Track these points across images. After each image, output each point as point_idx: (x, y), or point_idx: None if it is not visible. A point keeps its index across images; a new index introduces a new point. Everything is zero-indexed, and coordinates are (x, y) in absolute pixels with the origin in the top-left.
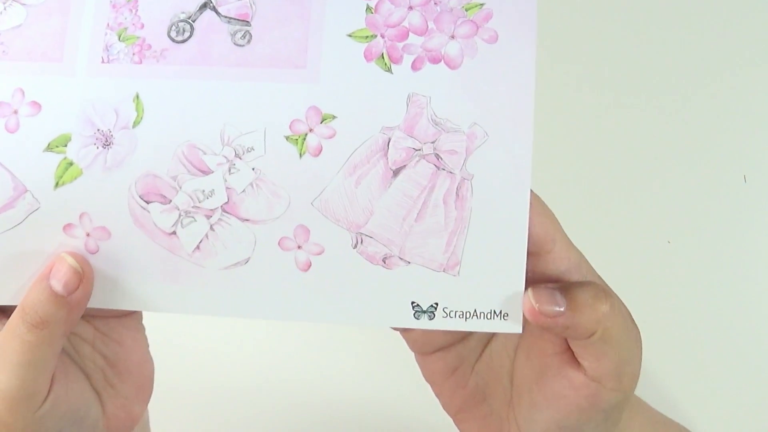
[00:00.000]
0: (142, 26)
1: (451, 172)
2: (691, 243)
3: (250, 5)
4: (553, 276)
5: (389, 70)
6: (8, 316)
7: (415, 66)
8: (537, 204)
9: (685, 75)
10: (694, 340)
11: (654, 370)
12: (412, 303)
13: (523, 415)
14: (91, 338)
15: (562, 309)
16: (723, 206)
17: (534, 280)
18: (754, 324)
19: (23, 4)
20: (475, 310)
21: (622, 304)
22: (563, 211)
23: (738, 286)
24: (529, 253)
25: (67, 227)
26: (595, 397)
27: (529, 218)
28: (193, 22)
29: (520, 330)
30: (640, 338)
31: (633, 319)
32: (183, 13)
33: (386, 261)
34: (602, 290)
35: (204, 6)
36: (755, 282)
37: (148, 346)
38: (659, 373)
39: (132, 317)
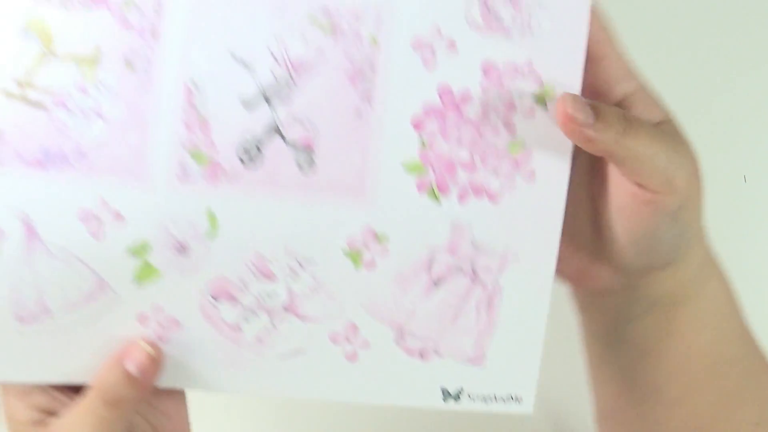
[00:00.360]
0: (214, 147)
1: (484, 285)
2: None
3: (314, 133)
4: (602, 84)
5: (438, 200)
6: (73, 391)
7: (461, 198)
8: (595, 16)
9: (684, 74)
10: None
11: None
12: (442, 389)
13: (604, 244)
14: (144, 410)
15: (590, 121)
16: (723, 206)
17: (585, 86)
18: (754, 324)
19: (102, 118)
20: (495, 395)
21: (665, 122)
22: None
23: (738, 286)
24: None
25: (141, 317)
26: (652, 203)
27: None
28: (262, 146)
29: (530, 411)
30: (690, 149)
31: (678, 133)
32: (252, 136)
33: (422, 354)
34: (624, 115)
35: (271, 131)
36: (755, 282)
37: (188, 414)
38: None
39: (179, 390)
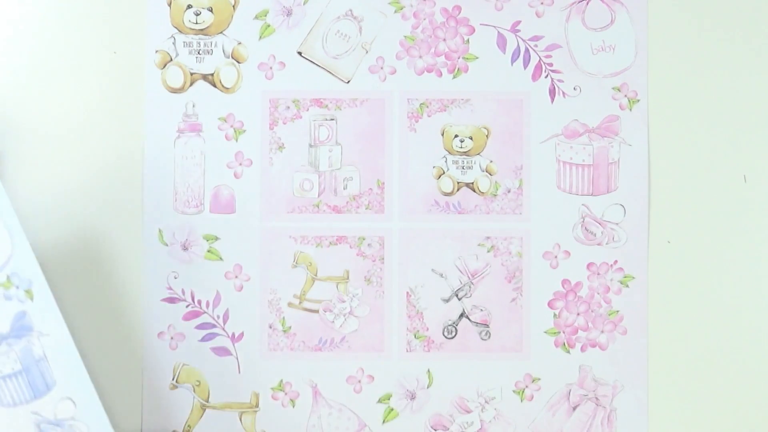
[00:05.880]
0: (427, 329)
1: (604, 407)
2: (691, 243)
3: (488, 315)
4: None
5: (568, 351)
6: None
7: (582, 349)
8: None
9: (685, 75)
10: (694, 339)
11: (655, 369)
12: None
13: None
14: None
15: None
16: (723, 206)
17: None
18: (754, 323)
19: (355, 316)
20: None
21: None
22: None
23: (738, 286)
24: None
25: None
26: None
27: None
28: (456, 325)
29: None
30: None
31: None
32: (450, 320)
33: None
34: None
35: (462, 315)
36: (755, 281)
37: None
38: (660, 372)
39: None
